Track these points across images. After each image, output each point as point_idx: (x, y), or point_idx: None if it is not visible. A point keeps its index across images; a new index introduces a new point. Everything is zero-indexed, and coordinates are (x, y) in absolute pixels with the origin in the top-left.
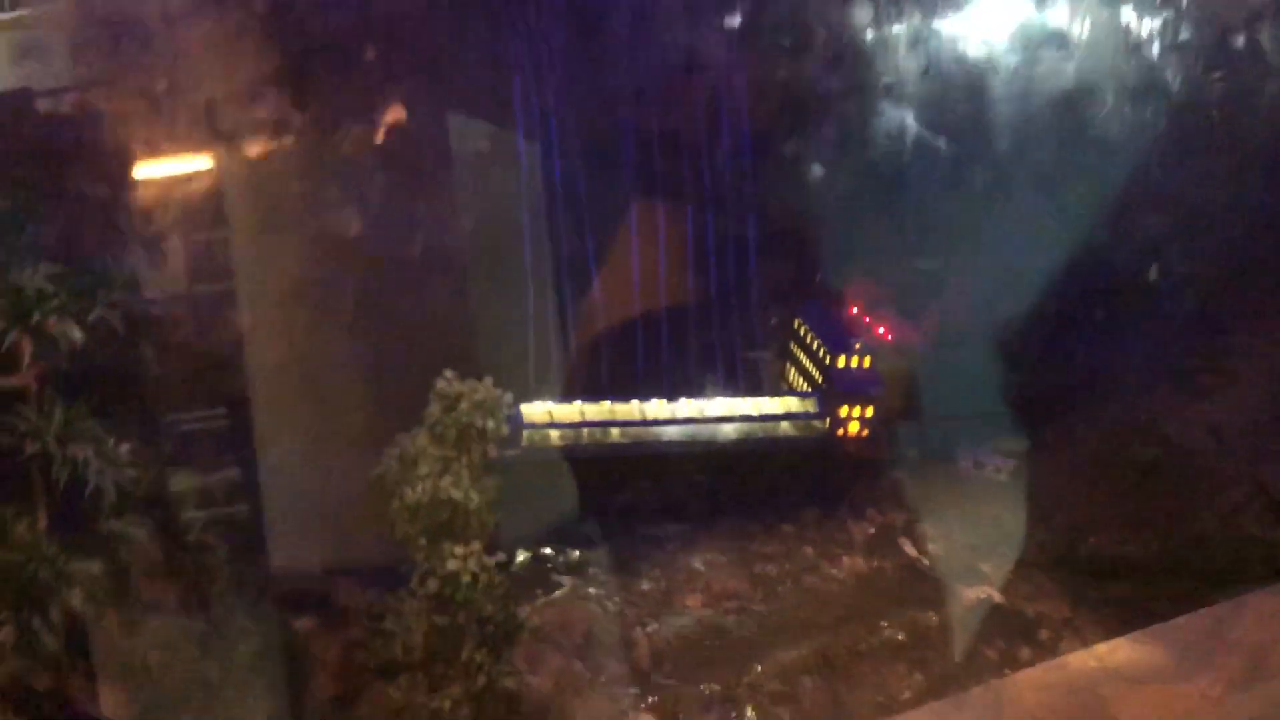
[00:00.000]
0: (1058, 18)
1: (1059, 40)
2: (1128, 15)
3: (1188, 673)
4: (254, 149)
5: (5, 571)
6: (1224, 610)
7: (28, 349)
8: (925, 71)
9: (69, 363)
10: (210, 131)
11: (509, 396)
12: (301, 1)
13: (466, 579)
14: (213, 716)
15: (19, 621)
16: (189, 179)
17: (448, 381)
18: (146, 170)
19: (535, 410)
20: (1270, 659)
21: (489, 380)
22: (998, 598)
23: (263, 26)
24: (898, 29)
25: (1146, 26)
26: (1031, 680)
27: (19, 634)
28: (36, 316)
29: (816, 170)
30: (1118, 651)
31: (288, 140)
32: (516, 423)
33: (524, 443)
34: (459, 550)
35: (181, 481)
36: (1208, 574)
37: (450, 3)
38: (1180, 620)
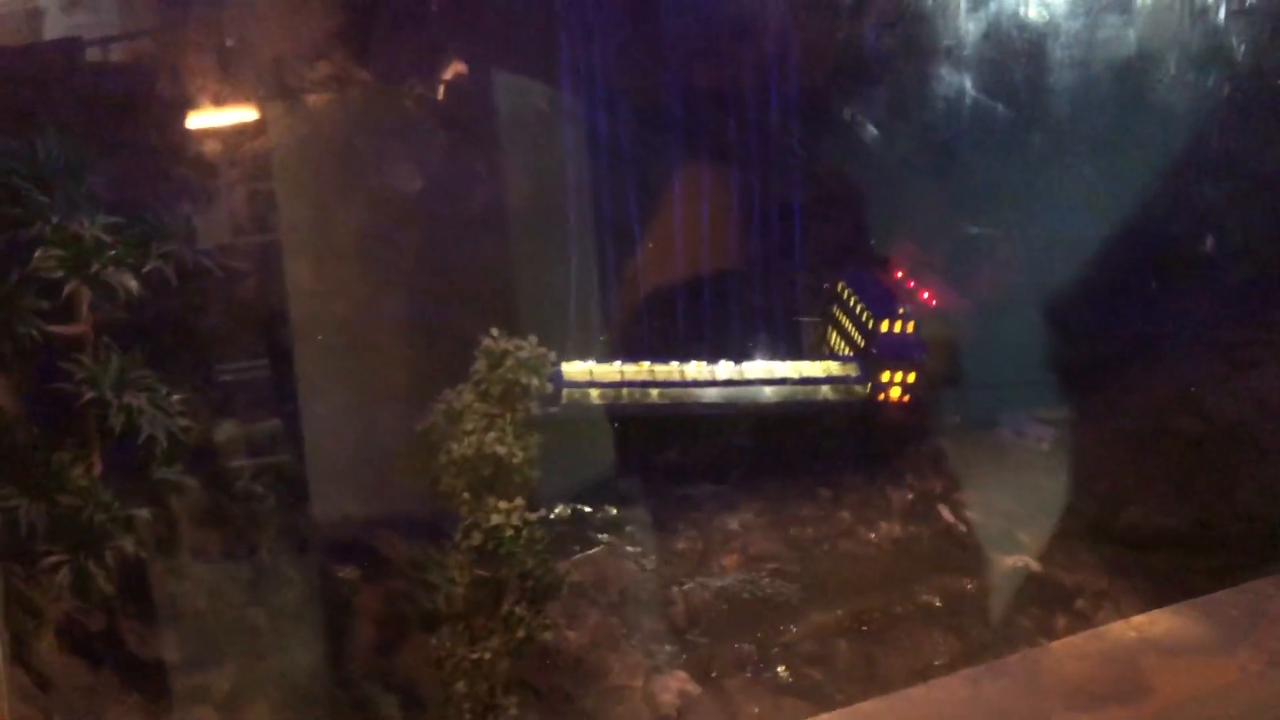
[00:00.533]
0: None
1: (1120, 3)
2: None
3: (1228, 647)
4: (309, 102)
5: (62, 516)
6: (1267, 585)
7: (86, 298)
8: (984, 36)
9: (125, 312)
10: (264, 83)
11: (553, 355)
12: None
13: (509, 534)
14: (259, 659)
15: (74, 565)
16: (242, 131)
17: (494, 340)
18: (200, 121)
19: (576, 369)
20: None
21: (534, 338)
22: (1035, 566)
23: None
24: None
25: None
26: (1069, 649)
27: (74, 577)
28: (95, 266)
29: (867, 134)
30: (1157, 623)
31: (343, 94)
32: (558, 381)
33: (564, 400)
34: (503, 505)
35: (230, 431)
36: (1249, 548)
37: None
38: (1221, 595)
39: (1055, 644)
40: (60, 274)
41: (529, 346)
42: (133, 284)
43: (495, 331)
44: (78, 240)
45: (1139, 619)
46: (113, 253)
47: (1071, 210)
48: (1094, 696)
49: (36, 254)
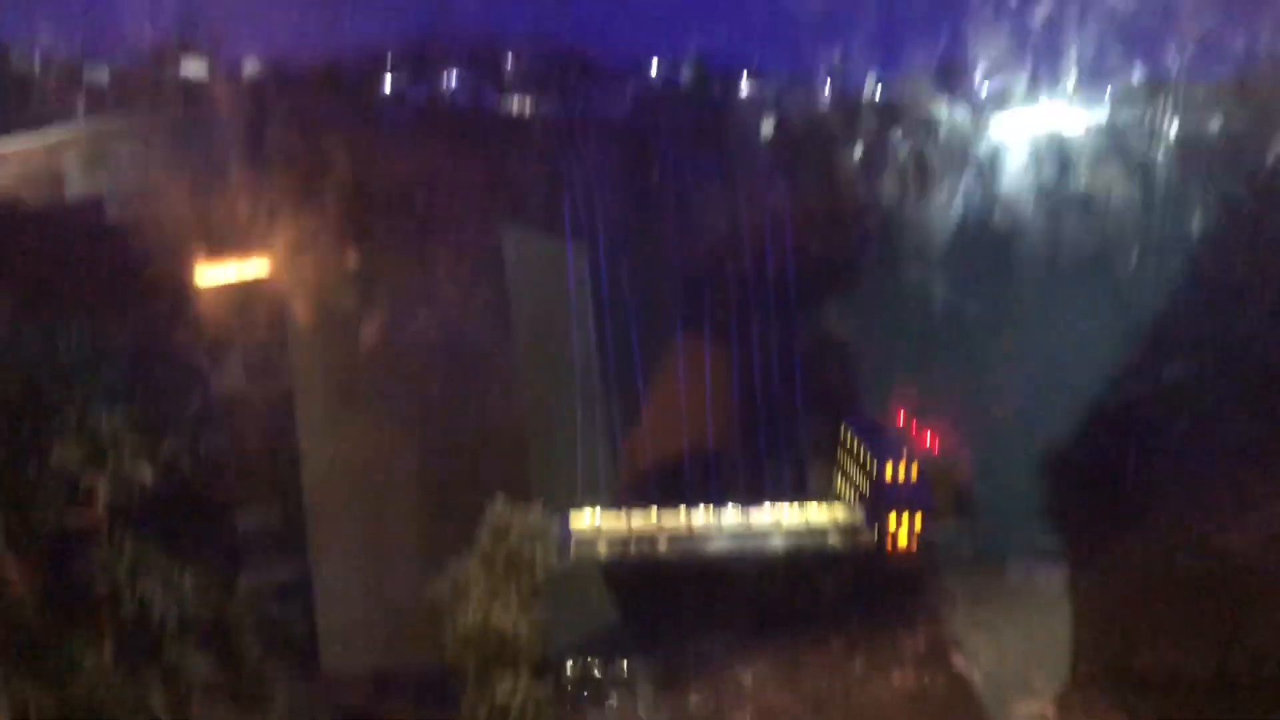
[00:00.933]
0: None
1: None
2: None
3: None
4: (317, 263)
5: (72, 701)
6: None
7: (103, 489)
8: (984, 199)
9: (140, 500)
10: (272, 247)
11: (557, 524)
12: (360, 127)
13: (515, 713)
14: None
15: None
16: (254, 295)
17: (498, 512)
18: (213, 288)
19: (583, 521)
20: None
21: (538, 506)
22: (1051, 714)
23: (323, 148)
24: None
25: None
26: None
27: None
28: (111, 460)
29: (867, 285)
30: None
31: (350, 253)
32: (565, 535)
33: (573, 553)
34: (508, 682)
35: (241, 606)
36: (1263, 692)
37: (507, 128)
38: None
39: None
40: (78, 469)
41: (533, 515)
42: (147, 472)
43: (500, 501)
44: (95, 436)
45: None
46: (129, 444)
47: (1075, 353)
48: None
49: (56, 450)
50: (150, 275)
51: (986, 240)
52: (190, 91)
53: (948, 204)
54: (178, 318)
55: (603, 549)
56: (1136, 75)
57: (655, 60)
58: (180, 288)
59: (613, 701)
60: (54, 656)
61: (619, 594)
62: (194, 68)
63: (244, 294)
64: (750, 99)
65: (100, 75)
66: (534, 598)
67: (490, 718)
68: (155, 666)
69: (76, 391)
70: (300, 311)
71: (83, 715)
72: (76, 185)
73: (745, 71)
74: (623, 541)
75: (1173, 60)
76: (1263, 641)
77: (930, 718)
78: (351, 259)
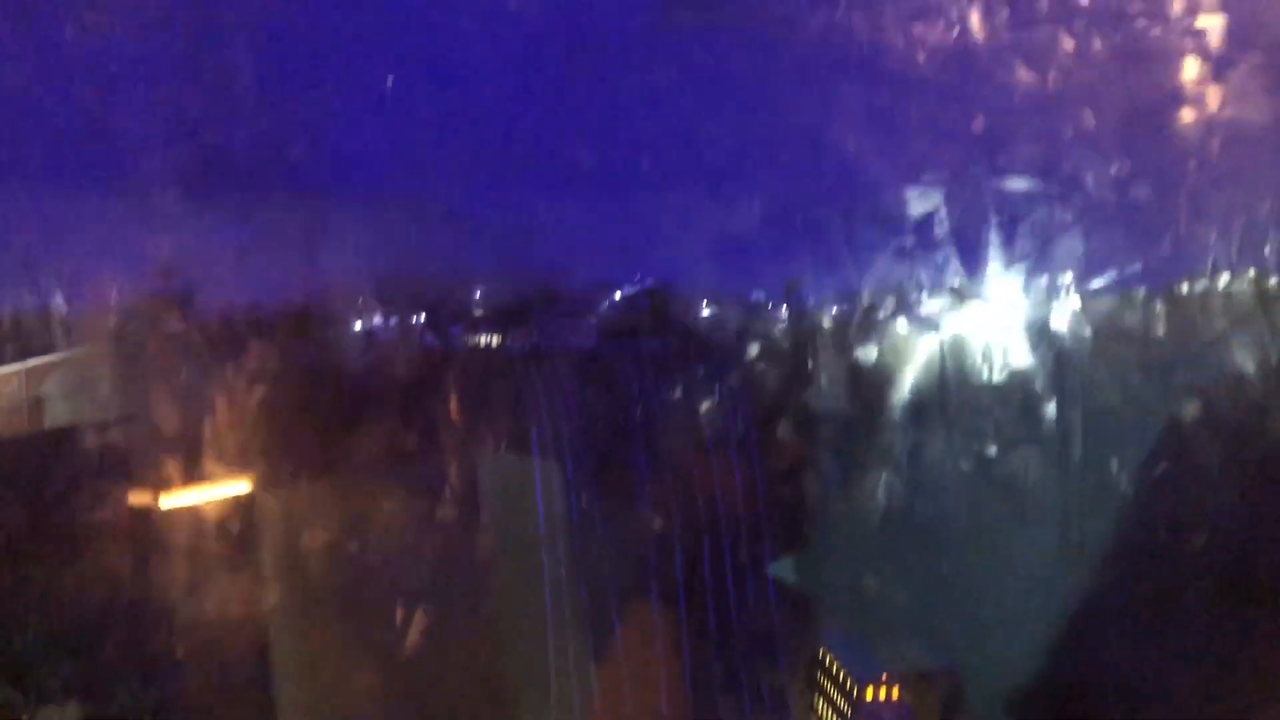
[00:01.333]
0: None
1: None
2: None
3: None
4: (286, 499)
5: None
6: None
7: None
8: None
9: None
10: (242, 482)
11: None
12: (327, 367)
13: None
14: None
15: None
16: (221, 530)
17: None
18: (180, 526)
19: None
20: None
21: None
22: None
23: (289, 386)
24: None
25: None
26: None
27: None
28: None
29: (838, 502)
30: None
31: (319, 487)
32: None
33: None
34: None
35: None
36: None
37: (476, 366)
38: None
39: None
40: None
41: None
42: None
43: None
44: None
45: None
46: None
47: (1055, 558)
48: None
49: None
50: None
51: (956, 448)
52: (166, 334)
53: (915, 415)
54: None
55: None
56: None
57: (617, 291)
58: (143, 533)
59: None
60: None
61: None
62: (170, 313)
63: (213, 527)
64: (709, 324)
65: (74, 318)
66: None
67: None
68: None
69: (30, 692)
70: (268, 547)
71: None
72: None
73: (704, 299)
74: None
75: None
76: None
77: None
78: (321, 493)
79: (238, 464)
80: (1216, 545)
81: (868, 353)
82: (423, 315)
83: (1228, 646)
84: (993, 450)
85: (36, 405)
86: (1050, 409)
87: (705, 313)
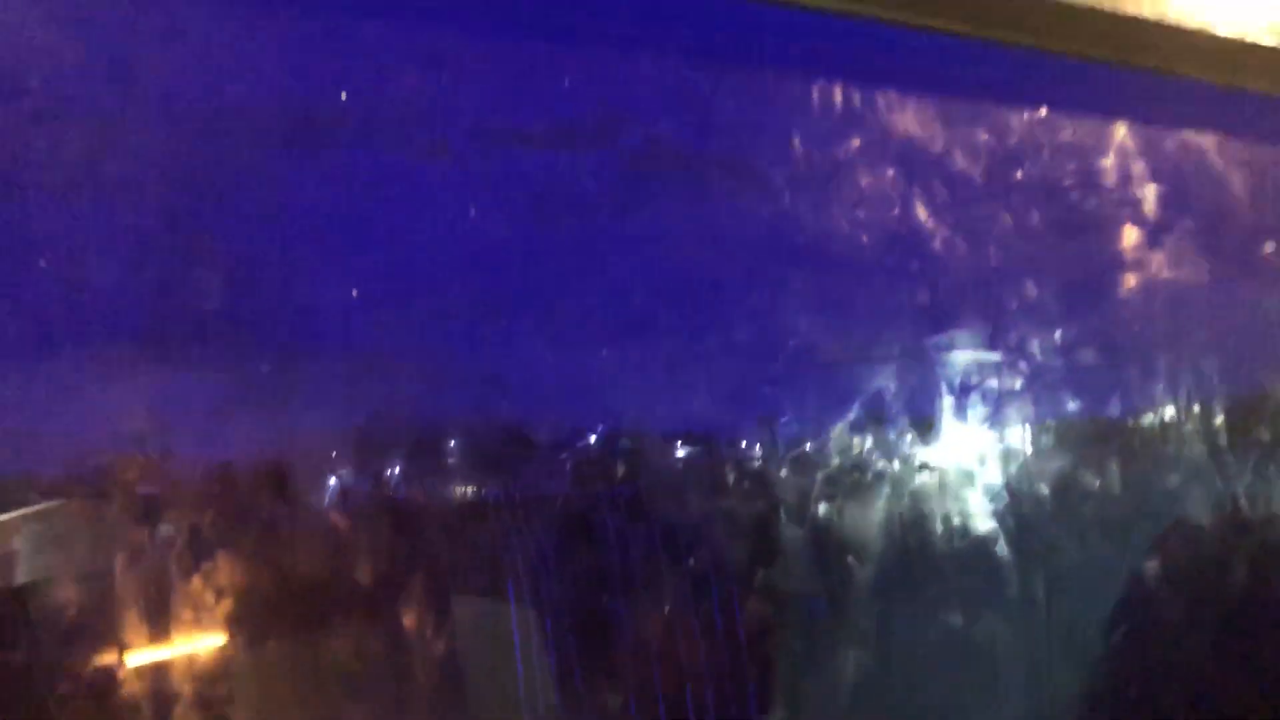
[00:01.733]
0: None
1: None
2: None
3: None
4: (258, 659)
5: None
6: None
7: None
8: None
9: None
10: (222, 638)
11: None
12: (292, 532)
13: None
14: None
15: None
16: (207, 689)
17: None
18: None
19: None
20: None
21: None
22: None
23: (270, 541)
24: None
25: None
26: None
27: None
28: None
29: (823, 638)
30: None
31: (293, 645)
32: None
33: None
34: None
35: None
36: None
37: (451, 518)
38: None
39: None
40: None
41: None
42: None
43: None
44: None
45: None
46: None
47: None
48: None
49: None
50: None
51: (922, 611)
52: (137, 496)
53: (900, 547)
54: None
55: None
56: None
57: (591, 434)
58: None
59: None
60: None
61: None
62: (143, 476)
63: (182, 689)
64: (683, 464)
65: (44, 479)
66: None
67: None
68: None
69: None
70: (240, 710)
71: None
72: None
73: (679, 439)
74: None
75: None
76: None
77: None
78: (294, 653)
79: (209, 624)
80: (1186, 697)
81: (834, 511)
82: (397, 468)
83: None
84: (958, 617)
85: (5, 561)
86: (1013, 571)
87: (680, 454)
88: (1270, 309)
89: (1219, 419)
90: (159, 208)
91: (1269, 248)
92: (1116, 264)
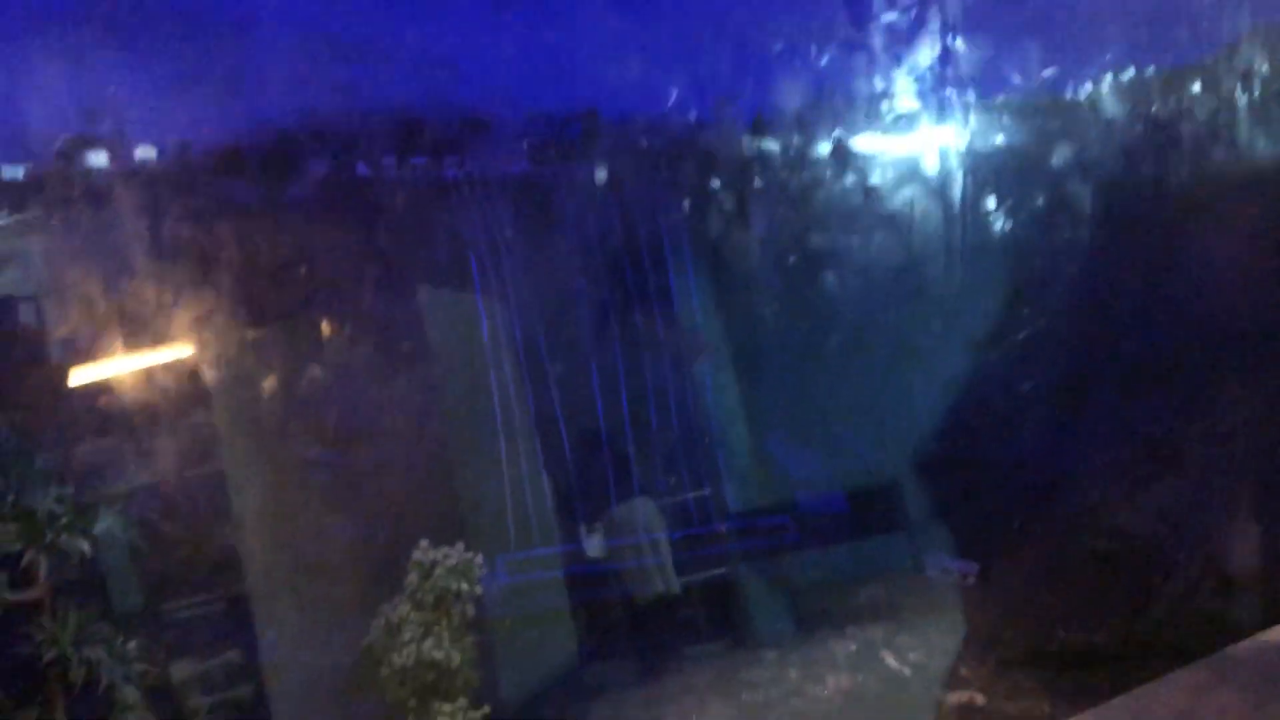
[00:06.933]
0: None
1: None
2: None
3: None
4: (229, 348)
5: None
6: (1156, 686)
7: (42, 565)
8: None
9: (79, 571)
10: (191, 326)
11: (480, 558)
12: (265, 205)
13: None
14: None
15: None
16: (173, 384)
17: (423, 551)
18: (131, 378)
19: (516, 562)
20: None
21: (461, 545)
22: (980, 700)
23: (230, 228)
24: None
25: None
26: None
27: None
28: (49, 536)
29: (771, 312)
30: None
31: (268, 327)
32: (499, 578)
33: (507, 597)
34: (446, 708)
35: (187, 670)
36: (1174, 652)
37: (407, 197)
38: (1116, 700)
39: None
40: (18, 546)
41: (456, 554)
42: (85, 547)
43: (424, 543)
44: (31, 515)
45: None
46: (64, 520)
47: (948, 351)
48: None
49: None
50: (76, 364)
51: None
52: (96, 184)
53: (843, 228)
54: (102, 404)
55: (534, 588)
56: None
57: (549, 115)
58: (106, 373)
59: None
60: None
61: (553, 630)
62: (98, 160)
63: (166, 374)
64: (645, 146)
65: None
66: (464, 629)
67: None
68: None
69: (11, 476)
70: (224, 386)
71: None
72: None
73: (640, 120)
74: (554, 576)
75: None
76: (1165, 609)
77: (865, 714)
78: (270, 332)
79: (177, 311)
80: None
81: (798, 171)
82: (357, 150)
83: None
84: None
85: None
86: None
87: (639, 135)
88: None
89: None
90: None
91: None
92: None
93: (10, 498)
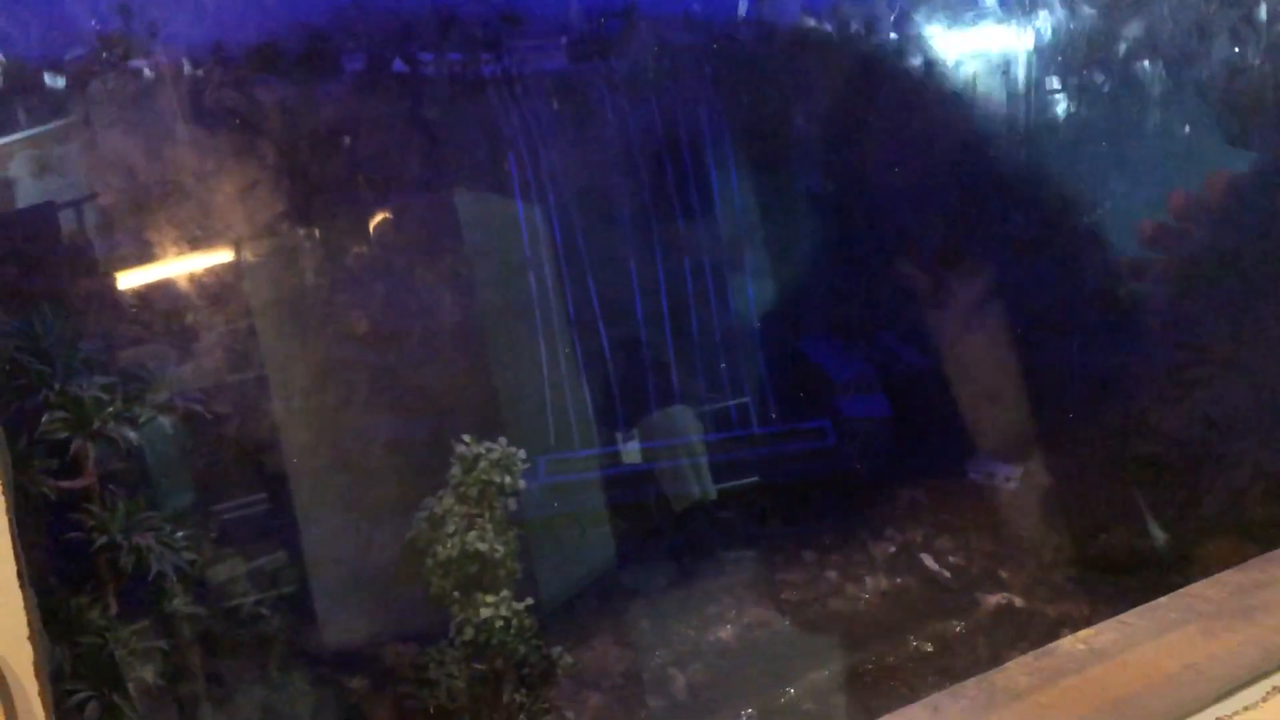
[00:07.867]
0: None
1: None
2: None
3: (1160, 650)
4: (268, 245)
5: (85, 655)
6: (1204, 588)
7: (90, 453)
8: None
9: (126, 461)
10: (225, 233)
11: (523, 453)
12: (302, 103)
13: (499, 624)
14: None
15: (100, 699)
16: (213, 284)
17: (466, 445)
18: (172, 277)
19: (555, 462)
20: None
21: (503, 439)
22: (1019, 602)
23: (268, 126)
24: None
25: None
26: (1022, 667)
27: (101, 709)
28: (96, 423)
29: (811, 213)
30: (1102, 634)
31: (300, 234)
32: (539, 478)
33: (546, 496)
34: (490, 599)
35: (234, 561)
36: (1218, 558)
37: (445, 93)
38: (1163, 600)
39: (1010, 663)
40: (65, 434)
41: (499, 448)
42: (132, 435)
43: (467, 438)
44: (78, 402)
45: (1085, 632)
46: (111, 409)
47: (1000, 262)
48: (1041, 705)
49: (43, 419)
50: (120, 267)
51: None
52: (132, 81)
53: (897, 124)
54: (146, 299)
55: (575, 487)
56: None
57: (588, 10)
58: (150, 276)
59: (595, 627)
60: (63, 610)
61: (592, 528)
62: (136, 61)
63: (204, 272)
64: (686, 42)
65: (39, 75)
66: (507, 522)
67: (476, 636)
68: (156, 615)
69: (57, 366)
70: (266, 288)
71: (94, 665)
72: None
73: (681, 15)
74: (594, 476)
75: None
76: (1211, 513)
77: (903, 616)
78: (311, 235)
79: (216, 216)
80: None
81: (838, 66)
82: (391, 47)
83: None
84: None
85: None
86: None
87: (679, 31)
88: None
89: None
90: None
91: None
92: None
93: (57, 385)
